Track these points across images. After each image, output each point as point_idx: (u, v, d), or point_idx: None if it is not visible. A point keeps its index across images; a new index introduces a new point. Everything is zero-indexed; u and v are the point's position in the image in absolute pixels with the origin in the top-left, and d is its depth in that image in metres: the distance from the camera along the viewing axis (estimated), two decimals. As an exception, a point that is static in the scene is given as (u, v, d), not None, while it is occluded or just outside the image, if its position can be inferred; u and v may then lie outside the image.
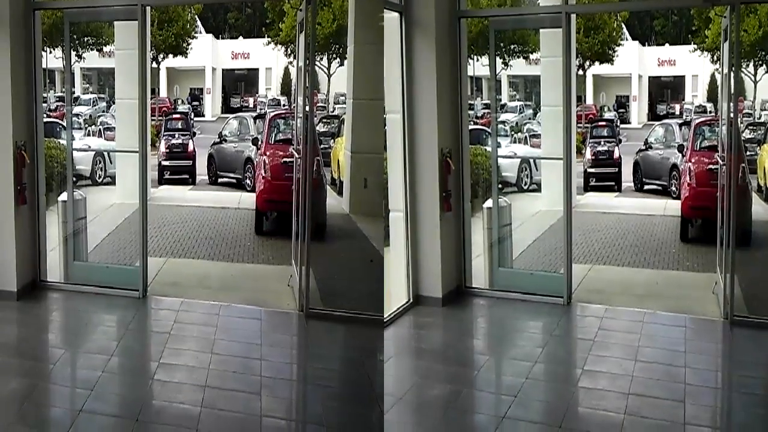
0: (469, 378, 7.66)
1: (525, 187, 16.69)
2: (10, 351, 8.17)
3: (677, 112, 40.29)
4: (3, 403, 6.86)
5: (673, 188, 19.16)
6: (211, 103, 42.63)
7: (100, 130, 22.74)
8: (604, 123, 23.77)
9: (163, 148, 21.36)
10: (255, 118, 22.78)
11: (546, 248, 11.69)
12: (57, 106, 28.03)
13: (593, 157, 21.09)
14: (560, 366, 8.09)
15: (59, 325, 9.61)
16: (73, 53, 25.84)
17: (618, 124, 34.72)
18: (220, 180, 21.33)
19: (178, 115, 24.19)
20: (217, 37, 45.45)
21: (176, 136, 21.63)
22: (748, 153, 17.48)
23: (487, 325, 9.75)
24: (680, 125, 21.83)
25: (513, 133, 23.81)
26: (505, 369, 8.13)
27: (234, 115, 26.24)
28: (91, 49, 33.08)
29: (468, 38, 10.29)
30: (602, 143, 21.45)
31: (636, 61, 42.14)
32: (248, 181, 19.78)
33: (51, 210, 10.53)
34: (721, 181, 9.54)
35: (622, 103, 42.12)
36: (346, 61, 24.59)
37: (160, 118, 31.84)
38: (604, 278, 11.14)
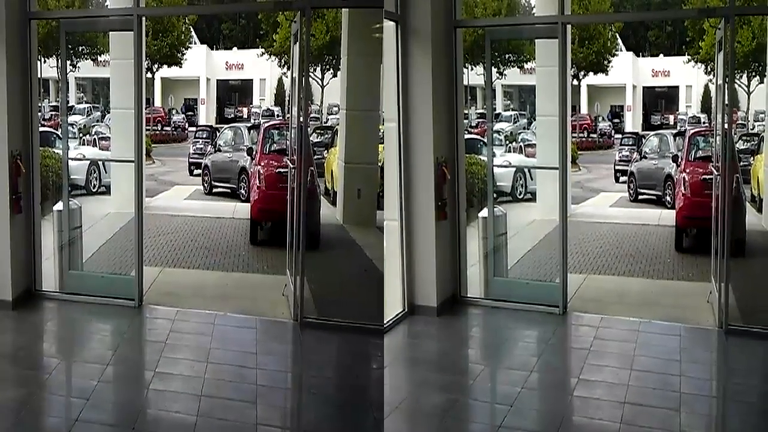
0: (464, 387, 7.67)
1: (520, 197, 16.72)
2: (6, 360, 8.15)
3: (671, 123, 40.42)
4: (-2, 412, 6.86)
5: (668, 198, 19.21)
6: (206, 113, 42.66)
7: (94, 139, 22.81)
8: (629, 135, 29.41)
9: (191, 149, 26.11)
10: (249, 129, 22.83)
11: (541, 257, 11.71)
12: (52, 115, 28.05)
13: (619, 159, 25.94)
14: (556, 375, 8.09)
15: (55, 334, 9.59)
16: (68, 63, 25.92)
17: (612, 134, 35.10)
18: (215, 190, 21.37)
19: (203, 127, 30.32)
20: (212, 48, 45.50)
21: (200, 142, 26.23)
22: (741, 163, 17.51)
23: (482, 335, 9.75)
24: (675, 135, 21.99)
25: (507, 142, 23.92)
26: (500, 378, 8.12)
27: (228, 125, 26.41)
28: (86, 59, 33.11)
29: (462, 47, 10.32)
30: (626, 149, 26.29)
31: (630, 71, 42.29)
32: (243, 191, 19.82)
33: (46, 219, 10.51)
34: (716, 191, 9.56)
35: (616, 113, 42.27)
36: (339, 72, 24.64)
37: (155, 127, 32.37)
38: (600, 287, 11.15)
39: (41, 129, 10.85)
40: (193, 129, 35.52)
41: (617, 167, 25.67)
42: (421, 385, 7.72)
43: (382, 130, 11.87)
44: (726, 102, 9.24)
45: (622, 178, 24.05)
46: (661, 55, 45.66)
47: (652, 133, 26.26)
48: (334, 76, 33.19)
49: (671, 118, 42.02)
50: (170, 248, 13.70)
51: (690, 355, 8.46)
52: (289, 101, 21.38)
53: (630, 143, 26.82)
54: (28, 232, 9.94)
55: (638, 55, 45.24)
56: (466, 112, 13.33)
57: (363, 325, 9.05)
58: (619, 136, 31.75)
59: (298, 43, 9.47)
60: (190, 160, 25.43)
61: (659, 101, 45.16)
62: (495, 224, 10.48)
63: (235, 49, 46.15)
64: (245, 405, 7.01)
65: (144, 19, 10.52)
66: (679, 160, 15.70)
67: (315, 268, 10.23)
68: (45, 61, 26.20)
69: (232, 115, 42.65)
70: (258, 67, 42.24)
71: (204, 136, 26.87)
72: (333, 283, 10.90)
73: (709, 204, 10.17)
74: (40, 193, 10.17)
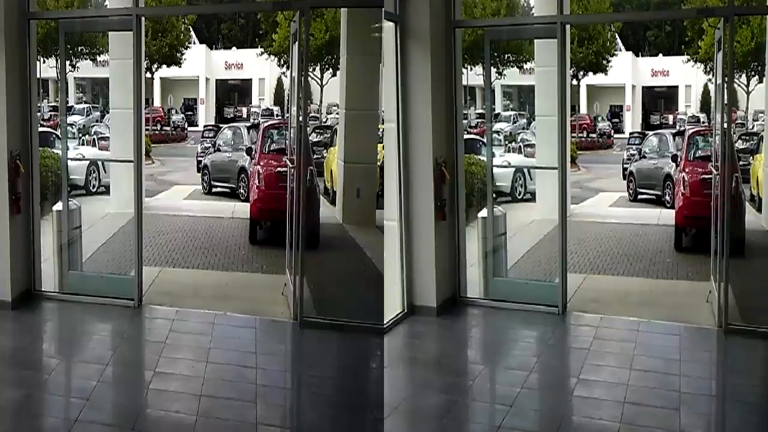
0: (464, 388, 7.66)
1: (519, 197, 16.71)
2: (5, 361, 8.14)
3: (670, 122, 40.43)
4: (-2, 412, 6.86)
5: (667, 198, 19.22)
6: (205, 113, 42.67)
7: (94, 139, 22.82)
8: (637, 134, 29.76)
9: (199, 148, 26.02)
10: (249, 128, 22.83)
11: (541, 258, 11.71)
12: (51, 115, 28.06)
13: (627, 158, 25.72)
14: (555, 375, 8.09)
15: (54, 334, 9.59)
16: (67, 63, 25.98)
17: (612, 134, 35.17)
18: (214, 189, 21.37)
19: (210, 127, 31.03)
20: (211, 48, 45.51)
21: (207, 141, 26.20)
22: (741, 163, 17.50)
23: (482, 335, 9.75)
24: (674, 135, 21.99)
25: (507, 142, 23.93)
26: (500, 378, 8.13)
27: (228, 125, 26.44)
28: (85, 59, 33.11)
29: (462, 48, 10.32)
30: (634, 149, 25.82)
31: (630, 71, 42.30)
32: (242, 191, 19.82)
33: (46, 219, 10.51)
34: (715, 190, 9.56)
35: (615, 113, 42.27)
36: (338, 72, 24.65)
37: (155, 127, 32.53)
38: (599, 287, 11.15)
39: (40, 129, 10.85)
40: (193, 129, 35.86)
41: (625, 165, 25.72)
42: (420, 386, 7.73)
43: (381, 130, 11.88)
44: (725, 102, 9.24)
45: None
46: (661, 55, 45.68)
47: (651, 132, 26.29)
48: (334, 75, 33.19)
49: (670, 117, 42.01)
50: (169, 248, 13.70)
51: (690, 355, 8.47)
52: (288, 101, 21.42)
53: (637, 143, 26.95)
54: (28, 232, 9.94)
55: (637, 55, 45.25)
56: (465, 112, 13.35)
57: (363, 325, 9.05)
58: (627, 135, 32.01)
59: (297, 42, 9.46)
60: (198, 158, 25.43)
61: (658, 101, 45.18)
62: (494, 224, 10.48)
63: (234, 48, 46.17)
64: (245, 405, 7.01)
65: (143, 19, 10.52)
66: (679, 159, 15.71)
67: (314, 268, 10.22)
68: (44, 61, 26.26)
69: (232, 115, 42.65)
70: (257, 67, 42.25)
71: (211, 135, 26.98)
72: (332, 282, 10.89)
73: (708, 203, 10.16)
74: (40, 194, 10.18)
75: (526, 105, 30.68)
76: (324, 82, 34.95)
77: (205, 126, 33.86)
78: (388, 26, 9.54)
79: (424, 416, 7.00)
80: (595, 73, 36.98)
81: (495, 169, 11.29)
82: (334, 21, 29.34)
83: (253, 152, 16.36)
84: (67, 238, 10.38)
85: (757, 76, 33.94)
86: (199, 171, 24.38)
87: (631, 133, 32.40)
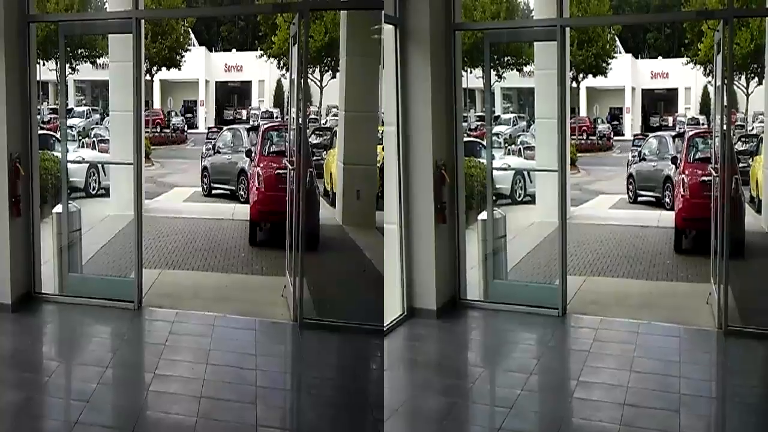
0: (464, 390, 7.66)
1: (519, 199, 16.72)
2: (5, 363, 8.15)
3: (670, 125, 40.44)
4: (-2, 414, 6.85)
5: (667, 200, 19.23)
6: (205, 116, 42.68)
7: (93, 142, 22.83)
8: (641, 136, 29.65)
9: (204, 149, 25.36)
10: (248, 130, 22.83)
11: (541, 260, 11.71)
12: (50, 118, 28.05)
13: (631, 159, 24.62)
14: (555, 377, 8.09)
15: (54, 336, 9.59)
16: (67, 65, 25.96)
17: (611, 136, 35.16)
18: (214, 191, 21.37)
19: (215, 128, 31.71)
20: (211, 50, 45.53)
21: (211, 142, 25.20)
22: (740, 164, 17.50)
23: (482, 337, 9.74)
24: (674, 137, 22.01)
25: (507, 145, 23.93)
26: (500, 381, 8.13)
27: (227, 127, 26.42)
28: (85, 62, 33.10)
29: (461, 50, 10.32)
30: (638, 148, 25.08)
31: (629, 73, 42.28)
32: (242, 193, 19.83)
33: (45, 222, 10.51)
34: (715, 192, 9.56)
35: (615, 115, 42.26)
36: (338, 74, 24.64)
37: (154, 129, 32.53)
38: (599, 289, 11.15)
39: (40, 132, 10.84)
40: (192, 131, 35.95)
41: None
42: (420, 388, 7.73)
43: (380, 131, 11.88)
44: (725, 103, 9.24)
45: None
46: (660, 57, 45.68)
47: (651, 134, 26.28)
48: (333, 77, 33.18)
49: (670, 119, 42.02)
50: (169, 250, 13.70)
51: (689, 357, 8.47)
52: (287, 103, 21.39)
53: (640, 144, 26.92)
54: (28, 234, 9.94)
55: (637, 57, 45.23)
56: (465, 114, 13.36)
57: (363, 327, 9.04)
58: (626, 137, 31.87)
59: (296, 44, 9.46)
60: (203, 157, 25.35)
61: (658, 103, 45.18)
62: (494, 227, 10.48)
63: (233, 50, 46.18)
64: (245, 406, 7.02)
65: (143, 21, 10.53)
66: (678, 161, 15.72)
67: (314, 270, 10.22)
68: (44, 64, 26.23)
69: (231, 117, 42.67)
70: (257, 69, 42.25)
71: (213, 137, 26.73)
72: (332, 284, 10.88)
73: (708, 205, 10.16)
74: (40, 196, 10.18)
75: (526, 107, 30.69)
76: (324, 84, 34.94)
77: (208, 128, 34.05)
78: (388, 29, 9.55)
79: (424, 418, 7.01)
80: (594, 75, 36.96)
81: (495, 172, 11.29)
82: (333, 23, 29.32)
83: (253, 154, 16.37)
84: (67, 241, 10.38)
85: (756, 78, 33.94)
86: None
87: (635, 135, 32.54)
